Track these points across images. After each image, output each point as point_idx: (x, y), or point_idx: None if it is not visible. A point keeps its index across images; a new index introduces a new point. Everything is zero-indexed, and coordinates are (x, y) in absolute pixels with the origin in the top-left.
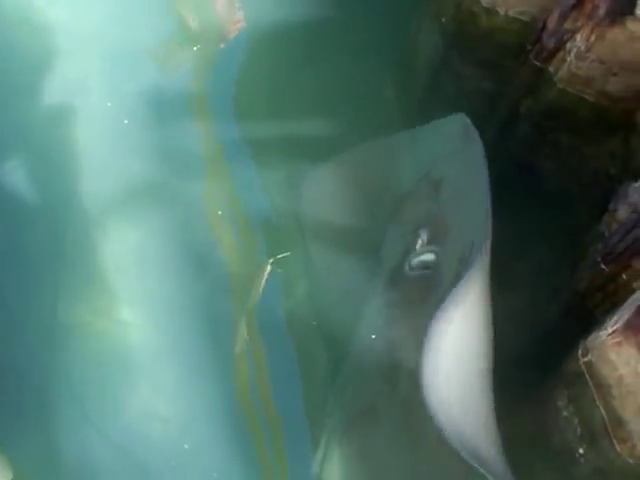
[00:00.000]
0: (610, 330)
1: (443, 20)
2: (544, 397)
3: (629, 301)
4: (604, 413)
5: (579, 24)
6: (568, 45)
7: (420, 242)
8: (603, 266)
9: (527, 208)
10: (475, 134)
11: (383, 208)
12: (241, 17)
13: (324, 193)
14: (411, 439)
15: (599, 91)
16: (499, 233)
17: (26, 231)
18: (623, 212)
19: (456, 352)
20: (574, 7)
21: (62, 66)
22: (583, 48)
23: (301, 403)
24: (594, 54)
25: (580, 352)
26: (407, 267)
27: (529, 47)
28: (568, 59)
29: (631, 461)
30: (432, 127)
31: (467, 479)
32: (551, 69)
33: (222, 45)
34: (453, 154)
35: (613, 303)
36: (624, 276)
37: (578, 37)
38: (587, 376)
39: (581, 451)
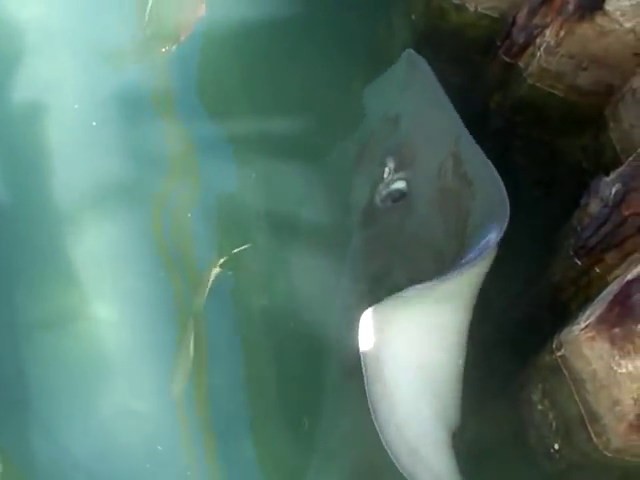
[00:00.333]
0: (583, 325)
1: (413, 17)
2: (518, 391)
3: (601, 296)
4: (581, 407)
5: (548, 19)
6: (538, 40)
7: (387, 170)
8: (576, 260)
9: None
10: (419, 59)
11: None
12: (206, 14)
13: None
14: None
15: (569, 85)
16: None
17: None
18: (595, 206)
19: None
20: (543, 3)
21: (32, 65)
22: (553, 43)
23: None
24: (564, 49)
25: (554, 346)
26: (378, 199)
27: (499, 43)
28: (538, 54)
29: (608, 454)
30: (385, 74)
31: None
32: (521, 64)
33: (189, 43)
34: (405, 87)
35: (586, 297)
36: (597, 270)
37: (547, 32)
38: (562, 370)
39: (556, 446)
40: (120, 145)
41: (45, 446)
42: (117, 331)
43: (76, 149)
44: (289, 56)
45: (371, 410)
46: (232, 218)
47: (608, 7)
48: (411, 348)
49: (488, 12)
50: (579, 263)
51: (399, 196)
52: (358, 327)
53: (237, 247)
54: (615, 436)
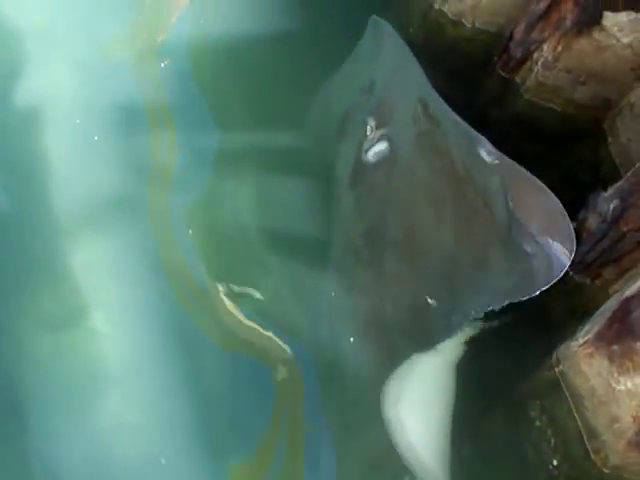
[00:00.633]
0: (581, 341)
1: (410, 31)
2: (516, 407)
3: (599, 312)
4: (579, 423)
5: (546, 34)
6: (535, 55)
7: (369, 129)
8: (573, 275)
9: None
10: (383, 23)
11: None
12: (202, 27)
13: None
14: None
15: (567, 100)
16: None
17: None
18: (592, 221)
19: None
20: (541, 17)
21: (30, 75)
22: (550, 58)
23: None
24: (561, 64)
25: (553, 361)
26: (364, 157)
27: (496, 58)
28: (535, 69)
29: (606, 471)
30: (355, 50)
31: None
32: (518, 80)
33: (186, 57)
34: (374, 53)
35: (584, 312)
36: (595, 285)
37: (545, 47)
38: (561, 386)
39: (555, 462)
40: (117, 157)
41: (40, 457)
42: (113, 342)
43: (74, 160)
44: (285, 69)
45: None
46: (229, 231)
47: (605, 22)
48: None
49: (485, 27)
50: (576, 278)
51: (384, 150)
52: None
53: (234, 261)
54: (614, 453)
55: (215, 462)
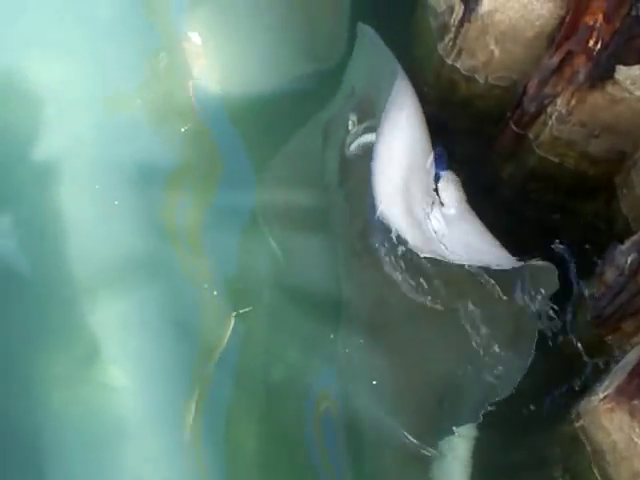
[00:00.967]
0: (602, 395)
1: (425, 89)
2: (537, 463)
3: (619, 365)
4: (600, 479)
5: (559, 88)
6: (549, 109)
7: (351, 124)
8: (593, 328)
9: None
10: (366, 28)
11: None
12: (220, 87)
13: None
14: None
15: (581, 153)
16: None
17: (11, 296)
18: (610, 275)
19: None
20: (554, 72)
21: (51, 133)
22: (564, 112)
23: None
24: (575, 117)
25: (573, 416)
26: (348, 151)
27: (509, 113)
28: (549, 123)
29: None
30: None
31: None
32: (531, 135)
33: (205, 116)
34: (357, 61)
35: (604, 366)
36: (614, 339)
37: (559, 101)
38: (582, 440)
39: None
40: (136, 217)
41: None
42: (128, 397)
43: (94, 216)
44: (303, 126)
45: None
46: (247, 289)
47: (618, 76)
48: None
49: (498, 82)
50: (596, 332)
51: (367, 142)
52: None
53: (251, 318)
54: None
55: None
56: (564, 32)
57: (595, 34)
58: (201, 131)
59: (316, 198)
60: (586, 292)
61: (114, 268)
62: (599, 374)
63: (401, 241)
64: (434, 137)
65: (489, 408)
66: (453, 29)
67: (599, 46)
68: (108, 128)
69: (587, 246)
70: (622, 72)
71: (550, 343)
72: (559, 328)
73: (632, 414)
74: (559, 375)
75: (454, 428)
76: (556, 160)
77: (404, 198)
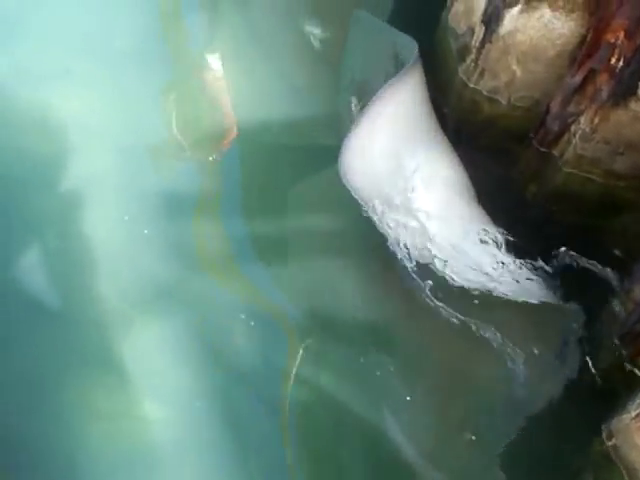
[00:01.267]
0: (634, 414)
1: (445, 111)
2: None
3: None
4: None
5: (582, 107)
6: (573, 127)
7: (353, 105)
8: (621, 347)
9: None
10: (360, 14)
11: None
12: (246, 117)
13: None
14: None
15: (606, 170)
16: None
17: (43, 327)
18: (638, 292)
19: None
20: (576, 91)
21: (75, 162)
22: (588, 130)
23: None
24: (599, 135)
25: (605, 435)
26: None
27: (532, 133)
28: (573, 141)
29: None
30: None
31: None
32: (556, 153)
33: (229, 146)
34: (352, 51)
35: (635, 384)
36: None
37: (582, 120)
38: (614, 459)
39: None
40: (167, 245)
41: None
42: (163, 427)
43: (121, 249)
44: (320, 161)
45: None
46: (276, 317)
47: None
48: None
49: (521, 102)
50: (624, 350)
51: None
52: None
53: (281, 345)
54: None
55: None
56: (586, 50)
57: (617, 51)
58: (227, 159)
59: (339, 222)
60: (615, 309)
61: (147, 299)
62: (630, 393)
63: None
64: (460, 155)
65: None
66: (474, 50)
67: (621, 63)
68: (133, 157)
69: (614, 264)
70: None
71: (578, 363)
72: (587, 347)
73: None
74: (588, 396)
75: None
76: (582, 177)
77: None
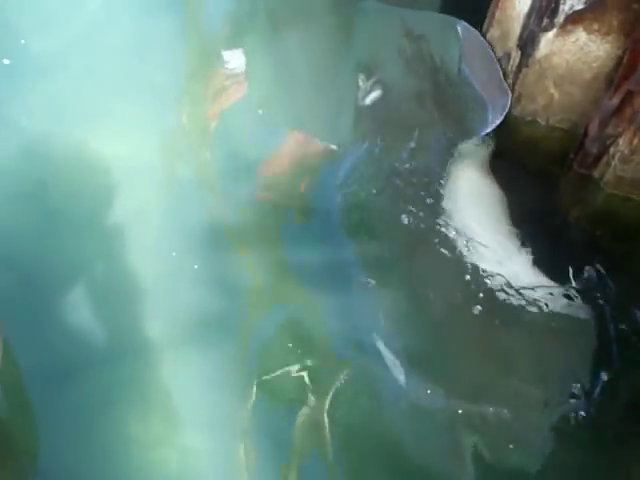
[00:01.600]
0: None
1: (486, 134)
2: None
3: None
4: None
5: (621, 129)
6: (612, 150)
7: (361, 81)
8: None
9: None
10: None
11: None
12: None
13: None
14: None
15: None
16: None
17: (88, 362)
18: None
19: None
20: (614, 112)
21: (120, 199)
22: (627, 152)
23: None
24: (639, 157)
25: None
26: (360, 104)
27: (572, 155)
28: (613, 163)
29: None
30: None
31: None
32: (596, 175)
33: (278, 183)
34: (359, 40)
35: None
36: None
37: (621, 141)
38: None
39: None
40: (211, 279)
41: None
42: (205, 457)
43: (165, 284)
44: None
45: None
46: (317, 345)
47: None
48: None
49: (559, 124)
50: None
51: (377, 93)
52: None
53: (324, 374)
54: None
55: None
56: (622, 72)
57: None
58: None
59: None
60: None
61: (193, 332)
62: None
63: None
64: (497, 182)
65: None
66: (511, 75)
67: None
68: (178, 192)
69: None
70: None
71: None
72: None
73: None
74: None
75: None
76: (623, 198)
77: None
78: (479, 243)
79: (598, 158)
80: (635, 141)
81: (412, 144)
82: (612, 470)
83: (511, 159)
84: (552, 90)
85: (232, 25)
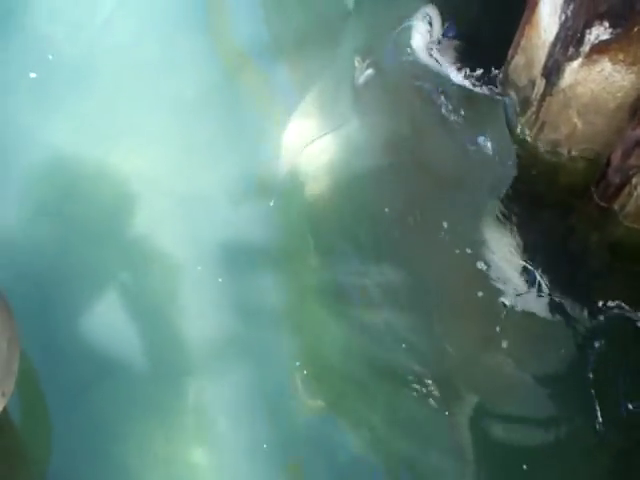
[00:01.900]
0: None
1: (508, 163)
2: None
3: None
4: None
5: None
6: (634, 180)
7: (357, 62)
8: None
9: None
10: None
11: None
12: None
13: None
14: None
15: None
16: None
17: (110, 380)
18: None
19: None
20: (637, 143)
21: (145, 214)
22: None
23: None
24: None
25: None
26: (357, 83)
27: (594, 186)
28: (635, 194)
29: None
30: None
31: None
32: (616, 206)
33: (295, 192)
34: (355, 29)
35: None
36: None
37: None
38: None
39: None
40: (230, 296)
41: None
42: (218, 476)
43: (183, 293)
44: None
45: None
46: (339, 368)
47: None
48: None
49: (582, 154)
50: None
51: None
52: None
53: (346, 400)
54: None
55: None
56: None
57: None
58: (288, 204)
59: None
60: None
61: (214, 351)
62: None
63: None
64: (519, 210)
65: None
66: (535, 103)
67: None
68: (203, 207)
69: None
70: None
71: None
72: None
73: None
74: None
75: None
76: None
77: None
78: (497, 273)
79: (620, 189)
80: None
81: None
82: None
83: (532, 189)
84: (575, 119)
85: (257, 44)
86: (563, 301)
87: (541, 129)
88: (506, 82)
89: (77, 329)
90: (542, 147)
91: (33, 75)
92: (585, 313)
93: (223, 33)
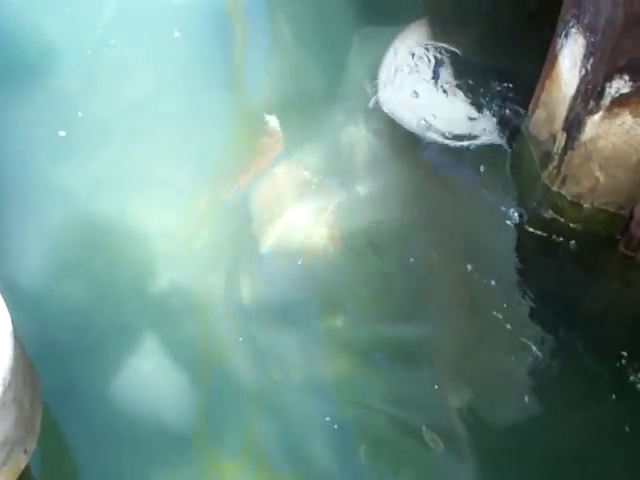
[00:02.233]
0: None
1: (529, 215)
2: None
3: None
4: None
5: None
6: None
7: (368, 88)
8: None
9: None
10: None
11: None
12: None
13: None
14: None
15: None
16: None
17: (127, 430)
18: None
19: None
20: None
21: (162, 270)
22: None
23: None
24: None
25: None
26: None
27: (618, 237)
28: None
29: None
30: None
31: None
32: None
33: (321, 256)
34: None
35: None
36: None
37: None
38: None
39: None
40: (256, 353)
41: None
42: None
43: (205, 351)
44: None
45: None
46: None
47: None
48: None
49: (604, 207)
50: None
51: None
52: None
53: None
54: None
55: None
56: None
57: None
58: (315, 262)
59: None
60: None
61: (233, 406)
62: None
63: None
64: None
65: None
66: (557, 157)
67: None
68: (223, 262)
69: None
70: None
71: None
72: None
73: None
74: None
75: None
76: None
77: None
78: (523, 324)
79: None
80: None
81: None
82: None
83: (556, 240)
84: (597, 173)
85: (278, 105)
86: (591, 352)
87: (563, 182)
88: (528, 137)
89: (99, 386)
90: (565, 200)
91: (62, 134)
92: (614, 366)
93: (245, 96)
